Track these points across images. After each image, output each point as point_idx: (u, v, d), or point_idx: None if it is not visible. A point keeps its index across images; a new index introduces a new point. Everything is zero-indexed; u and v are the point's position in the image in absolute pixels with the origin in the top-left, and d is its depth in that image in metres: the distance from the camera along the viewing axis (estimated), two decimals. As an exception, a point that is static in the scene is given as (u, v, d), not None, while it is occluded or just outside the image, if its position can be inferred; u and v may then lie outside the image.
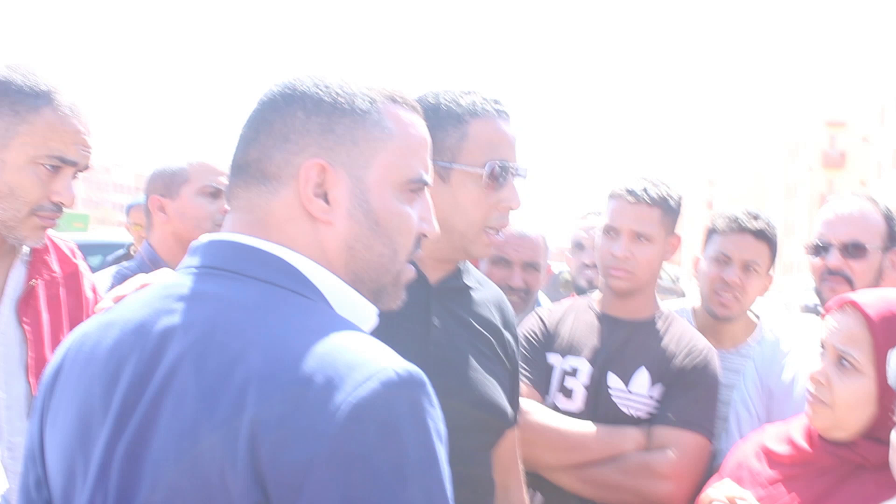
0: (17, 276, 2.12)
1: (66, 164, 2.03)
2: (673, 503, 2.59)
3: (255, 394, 1.06)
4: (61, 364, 1.32)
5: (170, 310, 1.20)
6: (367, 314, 1.33)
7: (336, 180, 1.26)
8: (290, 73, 1.33)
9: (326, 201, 1.27)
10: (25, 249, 2.14)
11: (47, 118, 1.99)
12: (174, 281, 1.27)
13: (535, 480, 2.62)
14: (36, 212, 2.01)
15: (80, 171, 2.09)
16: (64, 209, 2.06)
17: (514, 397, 2.20)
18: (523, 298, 3.38)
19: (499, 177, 1.99)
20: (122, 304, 1.31)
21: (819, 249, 2.90)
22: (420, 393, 1.10)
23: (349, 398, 1.04)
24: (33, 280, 2.12)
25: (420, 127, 1.37)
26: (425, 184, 1.36)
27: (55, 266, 2.19)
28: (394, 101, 1.33)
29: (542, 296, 4.06)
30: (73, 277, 2.25)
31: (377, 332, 1.90)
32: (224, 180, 2.90)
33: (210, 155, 3.03)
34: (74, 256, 2.28)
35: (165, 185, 2.98)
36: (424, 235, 1.38)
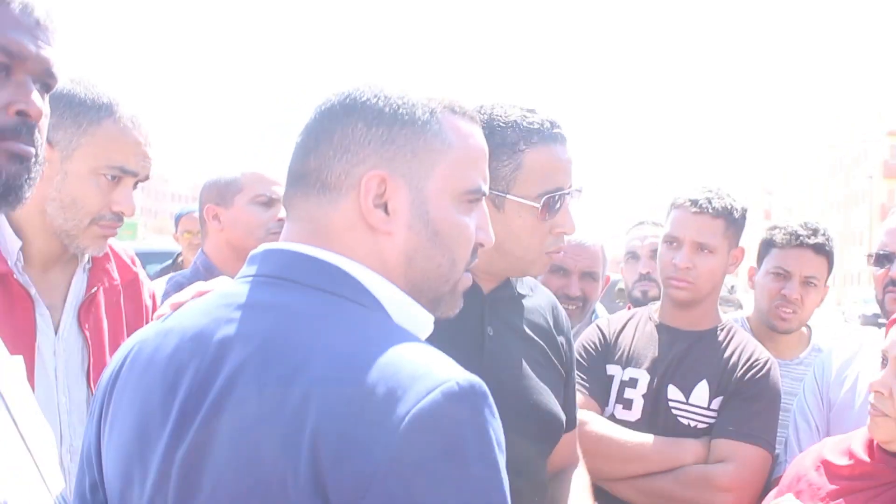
0: (78, 284, 2.15)
1: (126, 174, 2.07)
2: (733, 516, 2.55)
3: (317, 404, 1.06)
4: (119, 369, 1.32)
5: (229, 318, 1.21)
6: (424, 324, 1.33)
7: (396, 191, 1.26)
8: (347, 83, 1.33)
9: (386, 212, 1.27)
10: (86, 258, 2.17)
11: (109, 130, 2.04)
12: (233, 289, 1.27)
13: (594, 491, 2.59)
14: (97, 221, 2.05)
15: (141, 181, 2.13)
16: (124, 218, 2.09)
17: (568, 403, 2.19)
18: (580, 308, 3.37)
19: (553, 206, 1.97)
20: (181, 312, 1.32)
21: (882, 259, 2.84)
22: (482, 404, 1.10)
23: (413, 409, 1.04)
24: (94, 287, 2.15)
25: (479, 137, 1.36)
26: (483, 194, 1.36)
27: (115, 274, 2.22)
28: (453, 111, 1.33)
29: (598, 306, 4.03)
30: (132, 285, 2.28)
31: (431, 342, 1.92)
32: (278, 190, 2.93)
33: (263, 165, 3.06)
34: (134, 265, 2.31)
35: (220, 194, 3.01)
36: (481, 245, 1.38)
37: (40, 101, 1.35)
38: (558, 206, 1.98)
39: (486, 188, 1.36)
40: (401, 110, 1.28)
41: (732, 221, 2.72)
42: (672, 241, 2.74)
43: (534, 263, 2.02)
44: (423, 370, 1.08)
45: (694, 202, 2.70)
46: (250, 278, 1.27)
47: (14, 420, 1.33)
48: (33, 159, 1.34)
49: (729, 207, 2.71)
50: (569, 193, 2.00)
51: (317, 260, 1.25)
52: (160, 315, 1.42)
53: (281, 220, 2.85)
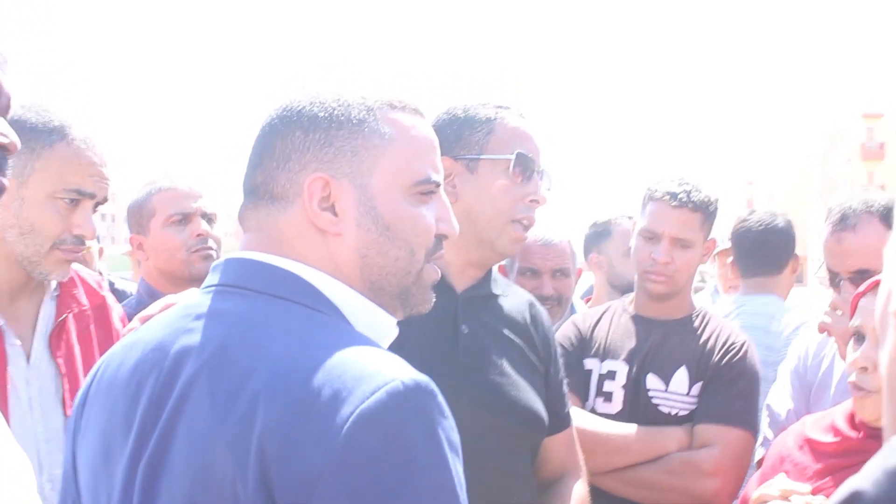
0: (47, 312, 2.14)
1: (83, 196, 2.06)
2: (719, 500, 2.56)
3: (264, 408, 1.07)
4: (89, 386, 1.34)
5: (187, 329, 1.23)
6: (385, 326, 1.34)
7: (340, 192, 1.28)
8: (288, 96, 1.36)
9: (335, 214, 1.28)
10: (53, 285, 2.16)
11: (62, 153, 2.03)
12: (193, 300, 1.29)
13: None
14: (58, 246, 2.04)
15: (100, 203, 2.12)
16: (85, 242, 2.09)
17: (556, 401, 2.18)
18: (557, 305, 3.35)
19: (525, 167, 2.04)
20: (146, 325, 1.34)
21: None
22: (429, 402, 1.10)
23: (357, 409, 1.04)
24: (63, 314, 2.14)
25: (423, 129, 1.37)
26: (436, 184, 1.36)
27: (83, 299, 2.21)
28: (392, 107, 1.34)
29: (577, 301, 4.03)
30: (101, 309, 2.27)
31: (405, 343, 1.92)
32: (191, 203, 2.88)
33: (178, 175, 3.00)
34: (101, 289, 2.30)
35: (137, 222, 2.97)
36: (444, 236, 1.38)
37: (12, 134, 1.37)
38: (530, 172, 2.05)
39: (438, 178, 1.37)
40: (336, 112, 1.30)
41: (709, 214, 2.72)
42: (650, 235, 2.72)
43: (503, 232, 2.04)
44: (368, 371, 1.09)
45: (673, 195, 2.68)
46: (211, 288, 1.29)
47: None
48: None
49: (706, 201, 2.70)
50: (539, 168, 2.08)
51: (272, 267, 1.26)
52: (130, 329, 1.44)
53: (201, 234, 2.85)
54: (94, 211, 2.11)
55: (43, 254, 2.03)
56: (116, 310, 2.35)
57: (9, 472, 1.35)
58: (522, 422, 2.05)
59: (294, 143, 1.29)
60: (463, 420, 1.92)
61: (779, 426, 2.66)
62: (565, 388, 2.24)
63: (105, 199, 2.13)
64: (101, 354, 2.17)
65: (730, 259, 4.32)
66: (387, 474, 1.04)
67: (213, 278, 1.31)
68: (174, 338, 1.23)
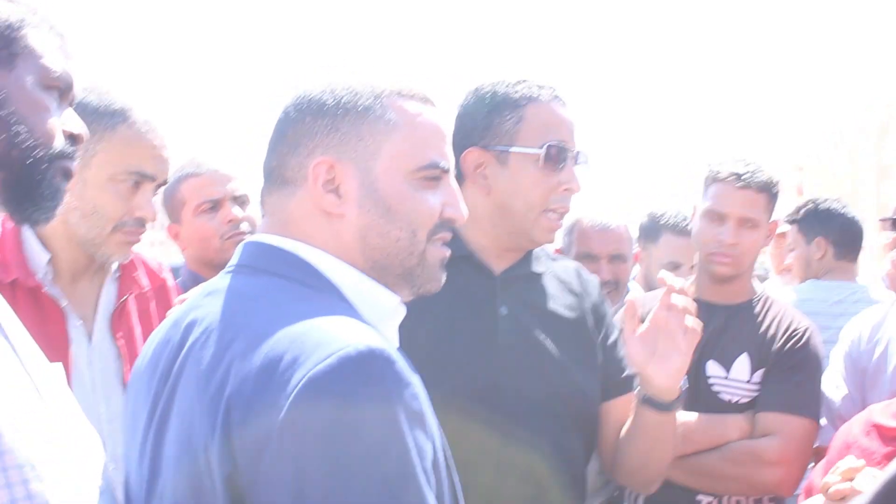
0: (108, 293, 2.16)
1: (144, 178, 2.06)
2: (782, 489, 2.53)
3: (234, 374, 1.14)
4: (135, 368, 1.45)
5: (197, 305, 1.32)
6: (388, 303, 1.38)
7: (345, 175, 1.35)
8: (306, 80, 1.42)
9: (338, 196, 1.34)
10: (114, 266, 2.17)
11: (123, 135, 2.04)
12: (212, 281, 1.39)
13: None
14: (120, 228, 2.05)
15: (160, 185, 2.13)
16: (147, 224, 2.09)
17: (611, 363, 2.14)
18: (614, 291, 3.32)
19: (557, 158, 1.99)
20: (177, 307, 1.49)
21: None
22: (383, 368, 1.13)
23: (308, 373, 1.08)
24: (125, 296, 2.16)
25: (431, 116, 1.41)
26: (442, 170, 1.40)
27: (144, 281, 2.23)
28: (400, 94, 1.39)
29: (633, 284, 3.98)
30: (161, 291, 2.29)
31: (443, 328, 1.92)
32: (220, 188, 2.82)
33: (204, 160, 2.89)
34: (161, 271, 2.32)
35: (171, 211, 2.92)
36: (452, 221, 1.41)
37: (83, 125, 1.48)
38: (563, 160, 2.00)
39: (445, 164, 1.41)
40: (344, 99, 1.35)
41: (773, 195, 2.69)
42: (716, 215, 2.67)
43: (537, 223, 2.01)
44: (328, 337, 1.12)
45: (738, 176, 2.64)
46: (229, 269, 1.39)
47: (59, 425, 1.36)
48: None
49: (771, 181, 2.67)
50: (572, 152, 2.02)
51: (275, 248, 1.34)
52: (170, 313, 1.51)
53: (232, 220, 2.78)
54: (155, 193, 2.12)
55: (105, 236, 2.04)
56: (176, 292, 2.36)
57: (81, 444, 1.38)
58: (566, 401, 2.02)
59: (304, 128, 1.36)
60: (504, 402, 1.93)
61: (834, 413, 2.60)
62: (623, 352, 2.18)
63: (165, 182, 2.14)
64: None
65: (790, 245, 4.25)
66: (331, 438, 1.07)
67: (233, 259, 1.40)
68: (186, 314, 1.32)
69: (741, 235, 2.64)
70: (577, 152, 2.03)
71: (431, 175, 1.38)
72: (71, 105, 1.49)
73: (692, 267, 2.97)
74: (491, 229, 2.05)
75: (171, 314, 1.41)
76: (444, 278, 1.44)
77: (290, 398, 1.07)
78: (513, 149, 1.99)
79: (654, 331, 1.94)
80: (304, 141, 1.35)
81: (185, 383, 1.22)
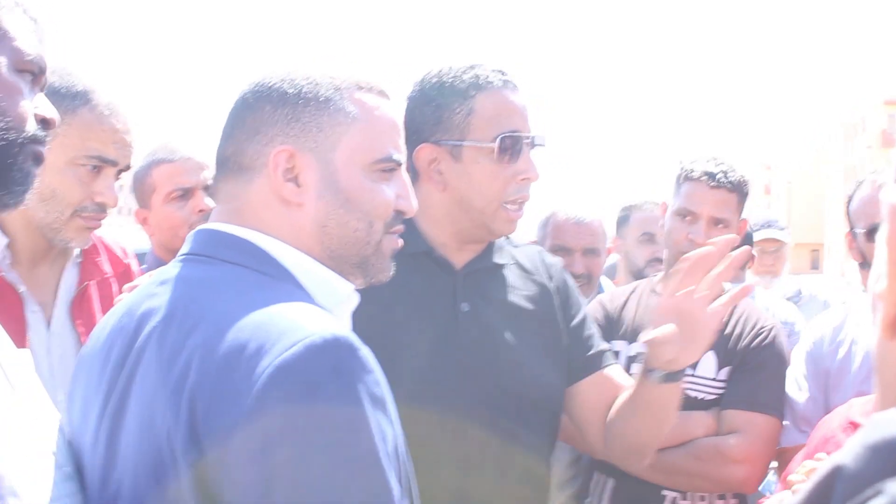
0: (69, 279, 2.12)
1: (105, 163, 2.02)
2: (746, 486, 2.55)
3: (197, 363, 1.14)
4: (82, 353, 1.46)
5: (151, 294, 1.32)
6: (342, 291, 1.39)
7: (305, 164, 1.35)
8: (261, 71, 1.42)
9: (297, 185, 1.34)
10: (76, 251, 2.13)
11: (84, 118, 2.00)
12: (164, 269, 1.38)
13: (606, 467, 2.56)
14: (79, 213, 2.01)
15: (122, 170, 2.08)
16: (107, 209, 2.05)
17: (578, 344, 2.11)
18: (586, 284, 3.34)
19: (510, 149, 1.96)
20: (128, 294, 1.49)
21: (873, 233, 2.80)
22: (348, 355, 1.14)
23: (274, 362, 1.09)
24: (85, 282, 2.11)
25: (388, 110, 1.43)
26: (397, 163, 1.42)
27: (106, 266, 2.19)
28: (359, 87, 1.40)
29: (604, 279, 4.02)
30: (124, 277, 2.25)
31: (404, 323, 1.90)
32: (192, 176, 2.76)
33: (178, 146, 2.82)
34: (126, 256, 2.28)
35: (141, 196, 2.85)
36: (403, 212, 1.44)
37: (55, 110, 1.46)
38: (518, 149, 1.96)
39: (399, 157, 1.43)
40: (304, 89, 1.35)
41: (743, 195, 2.71)
42: (687, 214, 2.69)
43: (496, 216, 1.98)
44: (292, 326, 1.14)
45: (711, 176, 2.66)
46: (180, 257, 1.38)
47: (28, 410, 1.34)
48: None
49: (741, 181, 2.69)
50: (527, 139, 1.98)
51: (230, 236, 1.34)
52: (118, 300, 1.53)
53: (203, 210, 2.72)
54: (118, 178, 2.07)
55: (63, 221, 2.00)
56: (140, 278, 2.31)
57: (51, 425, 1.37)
58: (530, 395, 2.01)
59: (263, 116, 1.35)
60: (464, 400, 1.91)
61: (797, 415, 2.62)
62: (591, 330, 2.17)
63: (128, 167, 2.10)
64: None
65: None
66: (300, 425, 1.08)
67: (184, 248, 1.39)
68: (140, 302, 1.31)
69: (712, 235, 2.63)
70: (532, 137, 1.99)
71: (387, 167, 1.40)
72: (43, 90, 1.46)
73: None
74: (450, 225, 2.02)
75: (124, 301, 1.40)
76: (392, 269, 1.47)
77: (257, 386, 1.08)
78: (465, 143, 1.95)
79: (678, 308, 1.88)
80: (263, 129, 1.35)
81: (144, 372, 1.22)
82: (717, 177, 2.65)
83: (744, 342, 2.62)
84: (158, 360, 1.20)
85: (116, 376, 1.27)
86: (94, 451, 1.29)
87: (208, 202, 2.73)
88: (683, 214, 2.69)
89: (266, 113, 1.35)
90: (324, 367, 1.11)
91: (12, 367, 1.39)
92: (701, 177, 2.67)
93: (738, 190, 2.68)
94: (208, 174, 2.76)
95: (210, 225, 1.39)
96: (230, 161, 1.38)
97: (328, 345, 1.12)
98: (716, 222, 2.66)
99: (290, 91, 1.35)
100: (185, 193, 2.74)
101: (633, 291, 2.85)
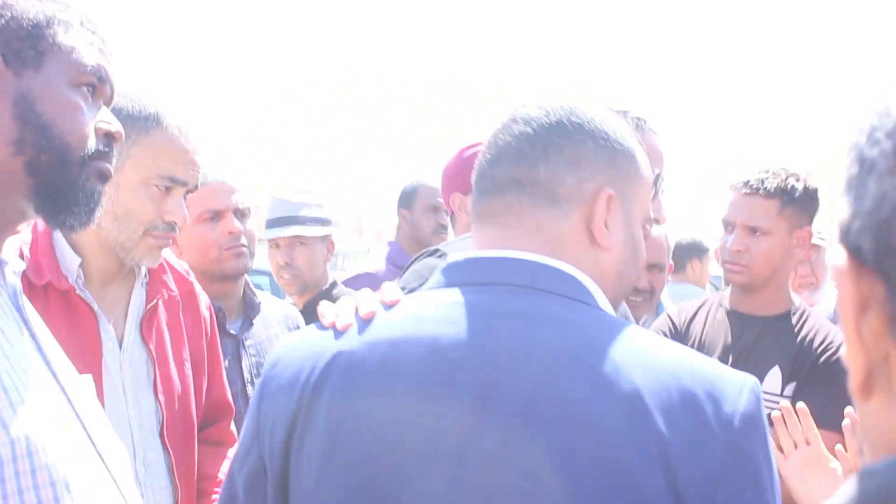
0: (138, 298, 2.15)
1: (176, 183, 2.06)
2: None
3: (652, 407, 1.14)
4: (316, 380, 1.26)
5: (494, 326, 1.22)
6: None
7: (616, 210, 1.32)
8: (563, 100, 1.37)
9: (608, 229, 1.31)
10: (143, 271, 2.16)
11: (156, 140, 2.04)
12: (466, 297, 1.26)
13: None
14: (150, 232, 2.04)
15: (191, 190, 2.13)
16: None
17: None
18: (648, 299, 3.37)
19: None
20: (388, 322, 1.28)
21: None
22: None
23: (738, 409, 1.16)
24: (154, 300, 2.15)
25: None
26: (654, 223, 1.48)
27: (172, 285, 2.22)
28: (640, 145, 1.41)
29: (665, 297, 4.02)
30: (189, 296, 2.28)
31: None
32: (223, 199, 2.76)
33: (211, 170, 2.73)
34: (189, 275, 2.31)
35: None
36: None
37: (118, 122, 1.43)
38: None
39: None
40: (619, 136, 1.35)
41: (790, 201, 2.62)
42: (727, 224, 2.70)
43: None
44: (720, 372, 1.20)
45: (746, 183, 2.64)
46: (487, 285, 1.27)
47: (91, 438, 1.34)
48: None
49: (785, 186, 2.62)
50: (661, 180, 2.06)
51: (557, 270, 1.28)
52: (343, 324, 1.31)
53: (233, 232, 2.74)
54: (185, 198, 2.11)
55: (135, 240, 2.03)
56: (203, 297, 2.35)
57: (111, 457, 1.36)
58: None
59: (586, 152, 1.31)
60: None
61: None
62: None
63: (196, 187, 2.13)
64: (189, 341, 2.22)
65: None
66: (765, 461, 1.17)
67: (475, 275, 1.29)
68: (483, 335, 1.21)
69: (749, 243, 2.63)
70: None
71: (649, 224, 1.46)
72: (108, 104, 1.46)
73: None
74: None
75: (393, 334, 1.26)
76: None
77: (733, 433, 1.14)
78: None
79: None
80: (585, 164, 1.30)
81: (550, 411, 1.15)
82: (751, 183, 2.62)
83: (811, 358, 2.59)
84: (581, 400, 1.14)
85: (483, 414, 1.17)
86: (450, 491, 1.17)
87: (237, 225, 2.77)
88: (725, 224, 2.71)
89: (589, 149, 1.31)
90: (762, 411, 1.19)
91: (76, 393, 1.38)
92: (738, 185, 2.67)
93: (779, 195, 2.61)
94: (238, 198, 2.81)
95: (522, 255, 1.29)
96: (540, 187, 1.30)
97: (758, 391, 1.20)
98: (751, 230, 2.63)
99: (610, 133, 1.33)
100: (216, 215, 2.77)
101: (701, 305, 2.84)
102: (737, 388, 1.17)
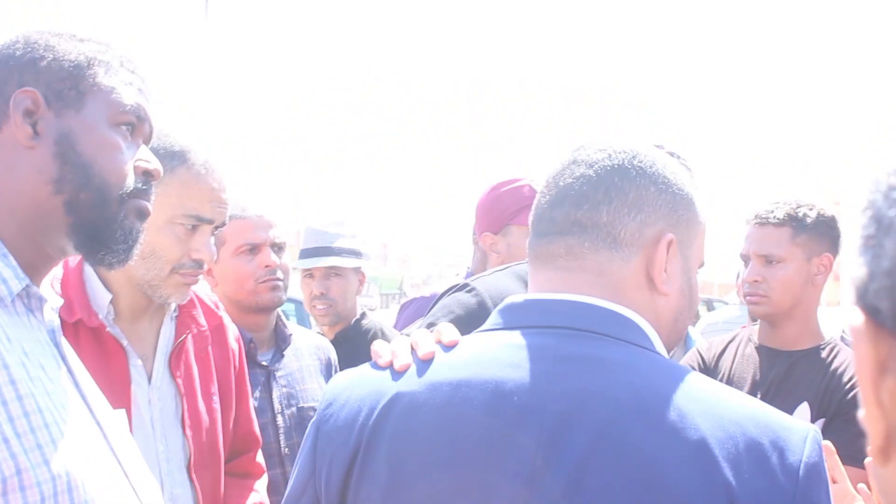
0: (167, 333, 2.16)
1: (202, 222, 2.06)
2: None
3: (719, 456, 1.13)
4: (374, 422, 1.25)
5: (556, 372, 1.21)
6: None
7: (675, 255, 1.32)
8: (622, 142, 1.35)
9: (667, 275, 1.31)
10: (173, 306, 2.17)
11: (182, 178, 2.04)
12: (532, 341, 1.26)
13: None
14: (177, 270, 2.04)
15: (218, 227, 2.13)
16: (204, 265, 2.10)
17: None
18: None
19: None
20: (446, 364, 1.27)
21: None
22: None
23: (802, 459, 1.16)
24: (183, 335, 2.16)
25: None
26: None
27: (202, 320, 2.23)
28: (696, 191, 1.40)
29: (693, 330, 3.97)
30: (218, 330, 2.29)
31: None
32: (261, 234, 2.81)
33: (249, 204, 2.88)
34: (218, 309, 2.31)
35: None
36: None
37: (157, 161, 1.45)
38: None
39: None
40: (679, 182, 1.34)
41: (803, 228, 2.63)
42: (744, 258, 2.73)
43: None
44: (782, 421, 1.20)
45: (758, 215, 2.69)
46: (546, 329, 1.26)
47: (126, 473, 1.36)
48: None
49: (796, 214, 2.63)
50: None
51: (619, 315, 1.27)
52: (402, 365, 1.30)
53: (269, 266, 2.79)
54: (213, 235, 2.12)
55: (163, 277, 2.04)
56: (232, 330, 2.36)
57: (144, 492, 1.38)
58: None
59: (647, 196, 1.30)
60: None
61: None
62: None
63: (223, 224, 2.13)
64: (218, 374, 2.23)
65: None
66: None
67: (535, 317, 1.28)
68: (545, 380, 1.20)
69: (764, 272, 2.64)
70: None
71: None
72: (146, 142, 1.47)
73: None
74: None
75: (454, 376, 1.25)
76: None
77: (798, 483, 1.14)
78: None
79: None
80: (647, 209, 1.30)
81: (616, 456, 1.14)
82: (762, 214, 2.67)
83: (840, 393, 2.57)
84: (646, 445, 1.14)
85: (549, 459, 1.16)
86: None
87: (274, 258, 2.81)
88: (743, 257, 2.74)
89: (651, 194, 1.30)
90: (824, 461, 1.19)
91: (111, 428, 1.40)
92: (751, 217, 2.71)
93: (790, 223, 2.63)
94: (276, 233, 2.85)
95: (583, 298, 1.28)
96: (602, 230, 1.29)
97: (820, 439, 1.20)
98: (766, 260, 2.65)
99: (671, 178, 1.33)
100: (253, 248, 2.81)
101: (731, 340, 2.83)
102: (801, 437, 1.17)
